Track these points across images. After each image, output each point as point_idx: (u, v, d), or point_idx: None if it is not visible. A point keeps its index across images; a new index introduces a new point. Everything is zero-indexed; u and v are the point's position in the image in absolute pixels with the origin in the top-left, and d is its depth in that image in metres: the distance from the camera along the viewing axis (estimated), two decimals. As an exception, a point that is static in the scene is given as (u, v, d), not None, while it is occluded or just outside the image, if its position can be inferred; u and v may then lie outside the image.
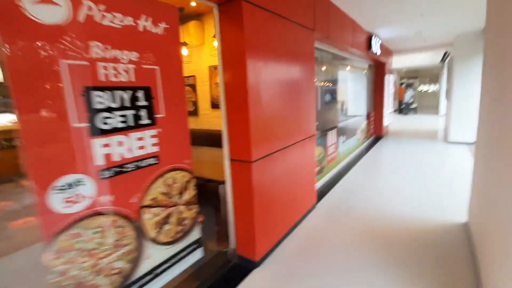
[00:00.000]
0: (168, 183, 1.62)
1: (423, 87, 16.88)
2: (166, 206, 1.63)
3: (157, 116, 1.60)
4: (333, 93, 7.88)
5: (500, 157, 1.85)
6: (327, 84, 6.21)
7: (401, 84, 14.28)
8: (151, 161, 1.58)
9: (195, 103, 3.93)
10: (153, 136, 1.58)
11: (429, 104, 15.84)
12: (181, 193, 1.73)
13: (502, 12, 1.94)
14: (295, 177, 2.79)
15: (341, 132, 5.09)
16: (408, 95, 14.00)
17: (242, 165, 2.11)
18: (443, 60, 11.41)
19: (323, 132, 4.35)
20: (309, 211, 3.15)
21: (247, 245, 2.23)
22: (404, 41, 6.67)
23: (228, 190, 2.23)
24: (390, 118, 8.14)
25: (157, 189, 1.58)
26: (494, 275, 1.63)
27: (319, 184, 3.99)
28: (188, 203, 1.77)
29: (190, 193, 1.78)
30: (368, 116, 7.11)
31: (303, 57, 2.80)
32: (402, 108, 14.12)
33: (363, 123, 6.56)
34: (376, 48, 5.55)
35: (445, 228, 2.69)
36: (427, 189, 3.67)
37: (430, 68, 14.00)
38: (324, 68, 5.08)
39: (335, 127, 4.90)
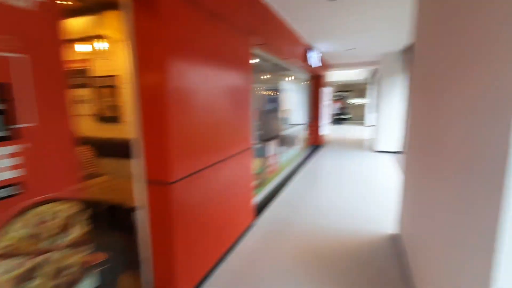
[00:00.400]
0: (36, 221, 1.13)
1: (353, 100, 18.72)
2: (32, 255, 1.13)
3: (20, 126, 1.10)
4: (276, 102, 7.92)
5: (427, 169, 1.87)
6: (270, 93, 6.15)
7: (338, 96, 15.54)
8: (6, 192, 1.07)
9: (115, 108, 3.32)
10: (10, 156, 1.08)
11: (359, 115, 17.61)
12: (62, 232, 1.24)
13: (428, 30, 2.01)
14: (229, 195, 2.48)
15: (283, 141, 5.03)
16: (336, 107, 15.30)
17: (160, 187, 1.71)
18: (370, 76, 12.77)
19: (266, 141, 4.19)
20: (247, 231, 2.87)
21: (167, 285, 1.81)
22: (340, 57, 7.13)
23: (143, 217, 1.79)
24: (327, 128, 8.61)
25: (15, 232, 1.08)
26: (428, 298, 1.59)
27: (258, 198, 3.77)
28: (74, 245, 1.29)
29: (77, 231, 1.30)
30: (307, 126, 7.33)
31: (238, 62, 2.55)
32: (337, 119, 15.35)
33: (303, 133, 6.70)
34: (315, 61, 5.73)
35: (379, 240, 2.72)
36: (360, 200, 3.78)
37: (359, 83, 15.59)
38: (267, 77, 4.99)
39: (278, 136, 4.81)
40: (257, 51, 3.45)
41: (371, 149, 7.48)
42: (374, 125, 9.43)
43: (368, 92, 13.79)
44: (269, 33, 3.29)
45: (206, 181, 2.08)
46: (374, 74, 10.51)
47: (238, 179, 2.65)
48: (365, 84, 14.68)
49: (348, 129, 12.93)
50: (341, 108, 17.22)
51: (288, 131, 5.90)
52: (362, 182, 4.56)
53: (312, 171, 5.41)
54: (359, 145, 8.32)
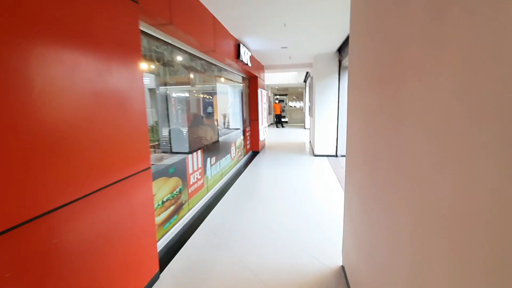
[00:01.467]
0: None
1: (292, 104, 19.11)
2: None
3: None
4: (209, 106, 7.08)
5: (372, 192, 1.34)
6: (204, 96, 5.34)
7: (276, 99, 15.46)
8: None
9: None
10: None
11: (297, 118, 18.00)
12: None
13: (369, 24, 1.47)
14: (109, 249, 1.56)
15: (216, 150, 4.23)
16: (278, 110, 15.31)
17: None
18: (305, 80, 12.96)
19: (195, 151, 3.32)
20: (146, 291, 1.97)
21: None
22: (273, 57, 6.70)
23: None
24: (266, 132, 8.15)
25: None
26: None
27: (174, 230, 2.87)
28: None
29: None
30: (244, 131, 6.69)
31: (116, 45, 1.66)
32: (277, 122, 15.25)
33: (239, 139, 6.01)
34: (245, 58, 5.11)
35: (323, 278, 2.13)
36: (301, 221, 3.22)
37: (296, 86, 15.86)
38: (199, 78, 4.14)
39: (210, 144, 3.98)
40: (158, 33, 2.58)
41: (311, 153, 7.25)
42: (309, 129, 9.43)
43: (305, 95, 14.03)
44: (177, 12, 2.46)
45: (50, 236, 1.13)
46: (308, 76, 10.59)
47: (126, 220, 1.74)
48: (302, 87, 14.98)
49: (289, 133, 12.86)
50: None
51: (223, 138, 5.14)
52: (301, 196, 4.07)
53: (247, 183, 4.74)
54: (299, 149, 8.07)
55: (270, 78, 13.86)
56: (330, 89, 6.44)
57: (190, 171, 3.32)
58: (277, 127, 15.13)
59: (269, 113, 16.64)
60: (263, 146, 8.30)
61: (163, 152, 3.32)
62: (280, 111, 14.99)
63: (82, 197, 1.40)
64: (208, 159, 4.00)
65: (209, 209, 3.53)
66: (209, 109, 6.42)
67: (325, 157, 6.59)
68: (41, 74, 1.19)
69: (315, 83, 6.76)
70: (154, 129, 3.23)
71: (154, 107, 3.40)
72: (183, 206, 3.13)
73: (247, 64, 5.29)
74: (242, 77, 6.80)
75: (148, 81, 4.29)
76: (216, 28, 3.59)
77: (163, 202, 2.66)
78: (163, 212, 2.66)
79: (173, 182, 2.89)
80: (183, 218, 3.11)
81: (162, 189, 2.65)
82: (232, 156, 5.36)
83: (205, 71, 4.27)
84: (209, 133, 4.66)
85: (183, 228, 3.03)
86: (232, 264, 2.32)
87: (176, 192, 2.94)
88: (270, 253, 2.48)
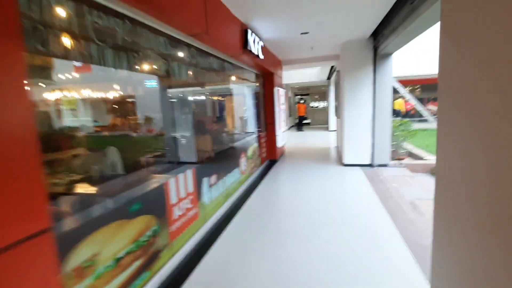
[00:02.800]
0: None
1: (314, 104, 17.80)
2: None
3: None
4: (220, 108, 6.19)
5: None
6: (215, 97, 4.52)
7: (302, 99, 14.06)
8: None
9: None
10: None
11: (320, 119, 16.66)
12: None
13: None
14: None
15: (215, 165, 3.26)
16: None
17: None
18: (329, 77, 11.69)
19: (200, 163, 2.36)
20: None
21: None
22: (291, 48, 5.62)
23: None
24: (285, 137, 7.07)
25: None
26: None
27: (142, 297, 1.91)
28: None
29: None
30: (259, 138, 5.67)
31: None
32: (298, 124, 13.92)
33: (251, 147, 5.00)
34: (256, 48, 4.10)
35: None
36: (341, 275, 2.12)
37: (319, 85, 14.58)
38: (207, 77, 3.26)
39: (219, 153, 3.02)
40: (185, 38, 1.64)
41: (339, 161, 6.05)
42: (336, 131, 8.20)
43: (329, 93, 12.74)
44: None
45: None
46: (333, 72, 9.34)
47: None
48: (326, 85, 13.68)
49: (311, 136, 11.64)
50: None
51: (232, 146, 4.18)
52: (335, 229, 2.95)
53: (261, 205, 3.70)
54: (324, 156, 6.88)
55: (289, 77, 12.76)
56: (363, 83, 5.22)
57: (173, 200, 2.36)
58: (298, 130, 13.77)
59: (290, 115, 15.48)
60: (282, 153, 7.21)
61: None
62: (305, 112, 13.73)
63: None
64: (205, 179, 3.02)
65: (204, 248, 2.55)
66: (223, 113, 5.52)
67: (358, 167, 5.37)
68: None
69: (343, 78, 5.58)
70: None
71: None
72: (161, 254, 2.16)
73: (257, 56, 4.27)
74: (255, 74, 5.80)
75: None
76: (208, 3, 2.62)
77: (117, 261, 1.71)
78: (117, 275, 1.71)
79: (139, 225, 1.93)
80: (162, 271, 2.15)
81: (114, 240, 1.70)
82: (242, 169, 4.35)
83: (210, 69, 3.34)
84: (208, 143, 3.70)
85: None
86: None
87: (146, 238, 1.98)
88: None
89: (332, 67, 9.35)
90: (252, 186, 4.53)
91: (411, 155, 6.14)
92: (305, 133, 12.55)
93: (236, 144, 4.48)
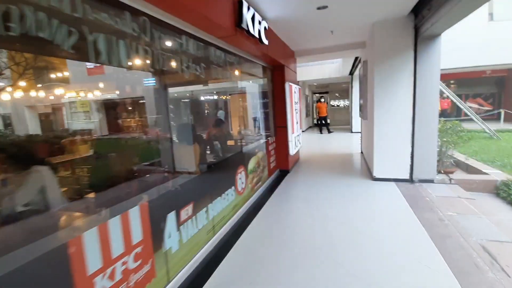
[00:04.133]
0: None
1: (334, 102, 16.44)
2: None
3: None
4: (222, 110, 5.32)
5: None
6: (216, 97, 3.58)
7: (322, 98, 12.45)
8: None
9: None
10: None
11: (341, 120, 15.28)
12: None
13: None
14: None
15: (197, 186, 2.29)
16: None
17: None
18: (352, 72, 10.40)
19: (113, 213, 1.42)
20: None
21: None
22: (305, 33, 4.54)
23: None
24: (299, 142, 5.99)
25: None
26: None
27: None
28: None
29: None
30: (266, 144, 4.65)
31: None
32: (320, 125, 12.17)
33: (254, 157, 3.98)
34: (256, 28, 3.08)
35: None
36: None
37: (339, 81, 13.26)
38: (210, 74, 2.34)
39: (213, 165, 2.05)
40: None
41: (367, 174, 4.87)
42: (361, 134, 6.98)
43: (352, 91, 11.42)
44: None
45: None
46: (357, 66, 8.09)
47: None
48: (348, 81, 12.35)
49: (331, 138, 10.41)
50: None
51: (233, 155, 3.23)
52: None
53: (259, 242, 2.68)
54: (347, 165, 5.72)
55: (306, 73, 11.60)
56: (399, 76, 4.03)
57: (93, 268, 1.40)
58: (321, 132, 11.98)
59: (307, 115, 14.25)
60: (296, 161, 6.13)
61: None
62: (327, 112, 12.26)
63: None
64: (171, 215, 2.05)
65: None
66: (224, 115, 4.58)
67: (392, 183, 4.19)
68: None
69: (371, 70, 4.41)
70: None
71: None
72: None
73: (260, 41, 3.26)
74: (263, 67, 4.78)
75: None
76: None
77: None
78: None
79: None
80: None
81: None
82: (240, 188, 3.35)
83: (201, 59, 2.38)
84: (193, 156, 2.75)
85: None
86: None
87: None
88: None
89: (355, 59, 8.11)
90: (254, 208, 3.52)
91: (460, 166, 4.84)
92: (324, 136, 11.31)
93: (235, 154, 3.49)
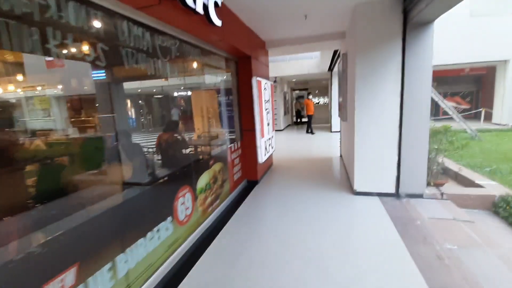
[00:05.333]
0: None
1: (314, 100, 15.92)
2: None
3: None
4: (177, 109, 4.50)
5: None
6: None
7: (308, 94, 11.36)
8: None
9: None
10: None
11: (321, 118, 14.77)
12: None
13: None
14: None
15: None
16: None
17: None
18: (331, 68, 9.80)
19: None
20: None
21: None
22: (274, 17, 3.75)
23: None
24: (272, 146, 5.24)
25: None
26: None
27: None
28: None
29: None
30: (229, 151, 3.84)
31: None
32: (307, 125, 10.95)
33: (210, 171, 3.16)
34: (200, 1, 2.25)
35: None
36: None
37: (319, 78, 12.68)
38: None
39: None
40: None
41: (347, 186, 4.21)
42: (341, 135, 6.36)
43: (332, 88, 10.84)
44: None
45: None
46: (336, 61, 7.44)
47: None
48: (327, 78, 11.77)
49: (309, 139, 9.78)
50: (297, 111, 14.15)
51: (176, 170, 2.37)
52: None
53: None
54: (326, 173, 5.05)
55: (284, 69, 10.89)
56: (385, 71, 3.36)
57: None
58: (307, 132, 10.86)
59: (285, 113, 13.57)
60: (268, 168, 5.38)
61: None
62: (297, 111, 11.47)
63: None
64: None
65: None
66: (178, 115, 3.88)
67: (376, 198, 3.54)
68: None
69: (352, 63, 3.72)
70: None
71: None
72: None
73: (208, 19, 2.44)
74: (225, 58, 3.95)
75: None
76: None
77: None
78: None
79: None
80: None
81: None
82: (182, 217, 2.52)
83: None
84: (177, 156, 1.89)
85: None
86: None
87: None
88: None
89: (335, 53, 7.46)
90: (204, 239, 2.72)
91: (449, 174, 4.30)
92: (301, 136, 10.68)
93: (178, 170, 2.65)
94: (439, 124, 3.95)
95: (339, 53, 6.28)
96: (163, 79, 2.96)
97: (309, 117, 10.73)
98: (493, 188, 3.48)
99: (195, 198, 2.75)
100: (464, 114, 11.79)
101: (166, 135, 3.65)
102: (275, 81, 11.81)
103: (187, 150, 3.86)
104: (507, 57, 9.88)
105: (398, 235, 2.58)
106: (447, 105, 8.72)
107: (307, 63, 10.67)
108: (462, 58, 10.05)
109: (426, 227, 2.69)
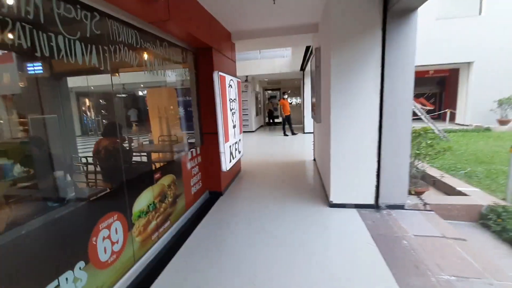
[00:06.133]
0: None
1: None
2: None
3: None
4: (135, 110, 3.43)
5: None
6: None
7: (284, 94, 10.76)
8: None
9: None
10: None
11: (294, 118, 14.49)
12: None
13: None
14: None
15: None
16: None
17: None
18: (303, 67, 9.47)
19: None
20: None
21: None
22: (240, 2, 3.19)
23: None
24: (239, 151, 4.67)
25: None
26: None
27: None
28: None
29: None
30: (185, 158, 3.19)
31: None
32: (283, 126, 10.40)
33: (156, 186, 2.51)
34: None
35: None
36: None
37: (291, 77, 12.35)
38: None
39: None
40: None
41: (322, 196, 3.76)
42: (314, 137, 5.97)
43: (304, 88, 10.53)
44: None
45: None
46: (309, 59, 7.07)
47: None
48: (299, 78, 11.47)
49: (281, 140, 9.36)
50: (269, 111, 13.73)
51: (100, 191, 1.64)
52: None
53: None
54: (298, 179, 4.58)
55: (255, 67, 10.40)
56: (363, 66, 2.93)
57: None
58: (285, 134, 10.22)
59: (257, 114, 13.08)
60: (235, 175, 4.80)
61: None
62: (270, 111, 10.96)
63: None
64: None
65: None
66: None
67: (354, 211, 3.12)
68: None
69: (326, 58, 3.28)
70: None
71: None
72: None
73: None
74: (182, 50, 3.30)
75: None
76: None
77: None
78: None
79: None
80: None
81: None
82: (106, 257, 1.85)
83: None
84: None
85: None
86: None
87: None
88: None
89: (306, 51, 7.08)
90: (146, 276, 2.07)
91: (425, 179, 4.03)
92: (273, 138, 10.25)
93: (105, 190, 1.97)
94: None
95: (311, 50, 5.88)
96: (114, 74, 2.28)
97: (287, 117, 10.02)
98: (478, 196, 3.22)
99: (129, 226, 2.08)
100: (430, 115, 12.15)
101: (106, 141, 2.94)
102: (246, 80, 11.26)
103: (127, 160, 3.16)
104: (471, 59, 10.26)
105: (384, 262, 2.13)
106: (416, 106, 8.78)
107: (278, 62, 10.26)
108: (428, 60, 10.26)
109: (414, 249, 2.28)
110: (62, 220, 1.55)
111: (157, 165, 2.75)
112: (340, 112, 3.07)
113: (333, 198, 3.25)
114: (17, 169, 1.95)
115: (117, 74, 2.46)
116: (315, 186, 4.11)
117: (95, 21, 1.81)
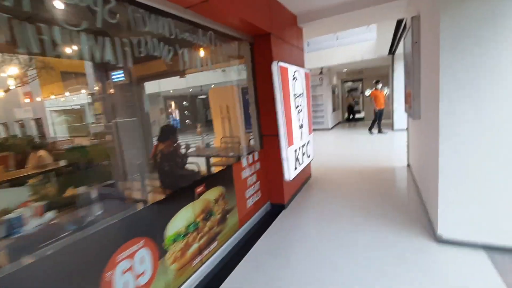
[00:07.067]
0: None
1: (370, 91, 13.68)
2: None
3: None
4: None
5: None
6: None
7: (377, 83, 8.85)
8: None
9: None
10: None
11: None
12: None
13: None
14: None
15: None
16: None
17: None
18: (393, 50, 7.86)
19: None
20: None
21: None
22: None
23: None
24: (308, 155, 3.96)
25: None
26: None
27: None
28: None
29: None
30: (236, 168, 2.75)
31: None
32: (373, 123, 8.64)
33: (195, 203, 2.13)
34: None
35: None
36: None
37: (376, 65, 10.60)
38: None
39: None
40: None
41: (425, 225, 2.71)
42: (408, 136, 4.62)
43: (393, 76, 8.81)
44: None
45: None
46: (402, 37, 5.63)
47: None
48: (387, 65, 9.68)
49: (364, 140, 8.02)
50: (349, 106, 12.14)
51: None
52: None
53: None
54: (387, 196, 3.56)
55: (331, 57, 9.30)
56: (498, 29, 1.81)
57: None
58: (379, 132, 8.47)
59: (334, 109, 11.78)
60: (303, 184, 4.10)
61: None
62: (350, 105, 9.45)
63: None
64: None
65: None
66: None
67: (481, 253, 2.01)
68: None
69: (432, 26, 2.24)
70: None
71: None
72: None
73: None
74: (236, 40, 2.87)
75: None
76: None
77: None
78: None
79: None
80: None
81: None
82: (133, 290, 1.53)
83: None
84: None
85: None
86: None
87: None
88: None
89: (397, 28, 5.66)
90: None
91: None
92: (354, 136, 8.92)
93: (124, 214, 1.69)
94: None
95: (405, 24, 4.59)
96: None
97: (380, 112, 8.26)
98: None
99: (160, 254, 1.73)
100: None
101: (162, 145, 2.80)
102: (321, 73, 10.23)
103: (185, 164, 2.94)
104: None
105: None
106: None
107: (360, 47, 8.84)
108: None
109: None
110: (78, 244, 1.26)
111: (203, 173, 2.38)
112: (456, 104, 2.01)
113: (444, 231, 2.21)
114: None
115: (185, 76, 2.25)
116: (411, 206, 3.03)
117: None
